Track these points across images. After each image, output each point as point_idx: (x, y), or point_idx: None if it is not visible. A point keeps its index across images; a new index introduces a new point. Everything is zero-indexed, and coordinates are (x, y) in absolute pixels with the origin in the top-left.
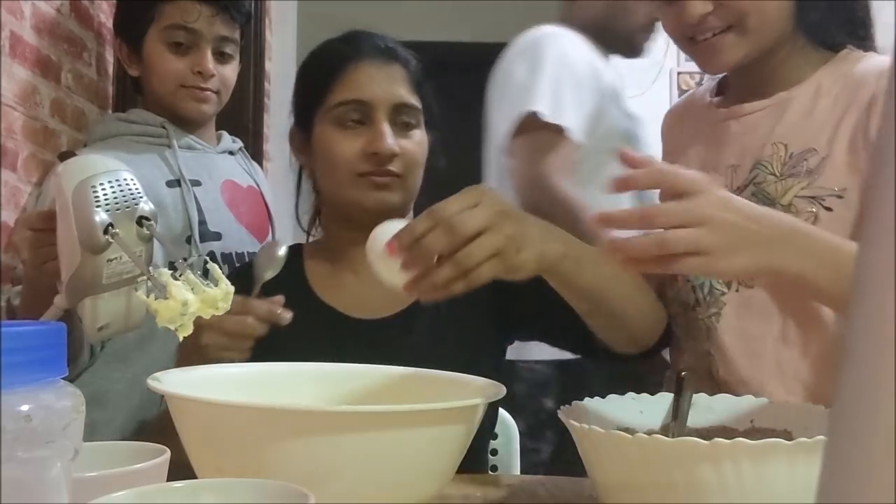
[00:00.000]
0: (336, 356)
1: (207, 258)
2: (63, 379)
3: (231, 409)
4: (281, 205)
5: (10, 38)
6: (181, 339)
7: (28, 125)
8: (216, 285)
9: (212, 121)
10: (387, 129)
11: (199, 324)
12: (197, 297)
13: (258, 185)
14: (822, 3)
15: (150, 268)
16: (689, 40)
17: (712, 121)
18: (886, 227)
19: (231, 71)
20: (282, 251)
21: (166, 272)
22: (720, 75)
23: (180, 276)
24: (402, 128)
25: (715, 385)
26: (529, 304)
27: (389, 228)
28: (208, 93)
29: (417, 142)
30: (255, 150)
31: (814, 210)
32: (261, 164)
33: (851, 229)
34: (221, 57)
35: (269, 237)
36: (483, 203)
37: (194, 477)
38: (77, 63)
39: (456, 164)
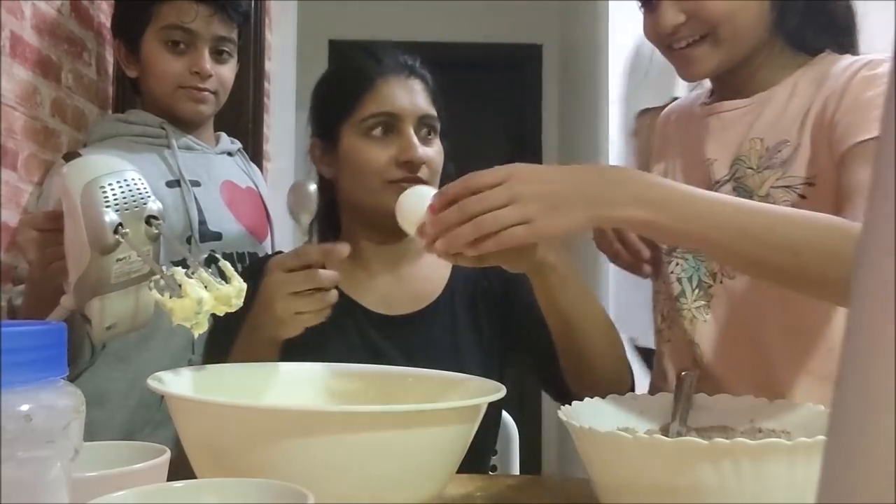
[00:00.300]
0: (358, 348)
1: (219, 256)
2: (63, 379)
3: (231, 409)
4: (280, 205)
5: (10, 38)
6: (196, 335)
7: (28, 125)
8: (228, 282)
9: (210, 121)
10: (415, 138)
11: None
12: (211, 295)
13: (257, 187)
14: (801, 10)
15: (163, 267)
16: (668, 48)
17: (695, 118)
18: (886, 227)
19: (229, 71)
20: (312, 188)
21: (180, 271)
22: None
23: (193, 273)
24: (425, 138)
25: (701, 374)
26: (525, 325)
27: (420, 192)
28: (206, 93)
29: (438, 151)
30: (254, 151)
31: (788, 199)
32: (260, 165)
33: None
34: (219, 56)
35: (269, 237)
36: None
37: (194, 477)
38: (77, 63)
39: (457, 162)
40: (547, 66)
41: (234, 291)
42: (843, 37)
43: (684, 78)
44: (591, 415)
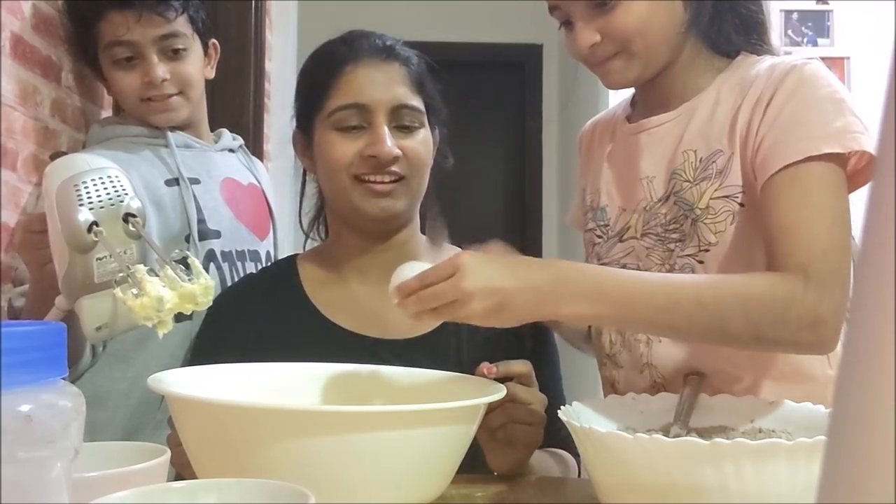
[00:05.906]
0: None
1: (188, 253)
2: (63, 379)
3: (231, 409)
4: (281, 203)
5: (10, 38)
6: (160, 336)
7: (28, 125)
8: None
9: (201, 120)
10: (386, 131)
11: None
12: (174, 293)
13: (259, 182)
14: (714, 12)
15: (128, 265)
16: (589, 63)
17: (624, 135)
18: (886, 228)
19: (190, 65)
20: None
21: (142, 268)
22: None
23: (159, 271)
24: (404, 129)
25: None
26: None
27: (409, 268)
28: (169, 99)
29: (421, 141)
30: (255, 150)
31: (730, 209)
32: None
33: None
34: (174, 55)
35: (271, 233)
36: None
37: (194, 477)
38: (77, 63)
39: (457, 162)
40: (547, 66)
41: (199, 289)
42: (755, 35)
43: (608, 87)
44: (591, 415)
